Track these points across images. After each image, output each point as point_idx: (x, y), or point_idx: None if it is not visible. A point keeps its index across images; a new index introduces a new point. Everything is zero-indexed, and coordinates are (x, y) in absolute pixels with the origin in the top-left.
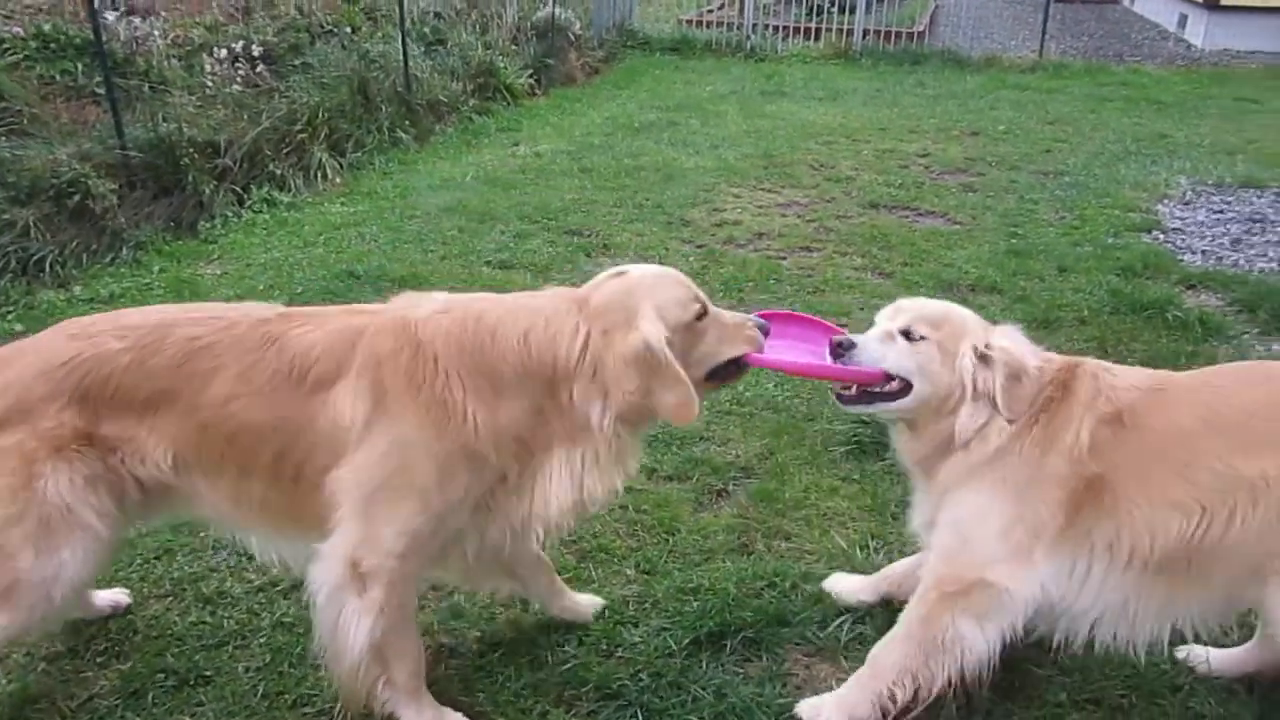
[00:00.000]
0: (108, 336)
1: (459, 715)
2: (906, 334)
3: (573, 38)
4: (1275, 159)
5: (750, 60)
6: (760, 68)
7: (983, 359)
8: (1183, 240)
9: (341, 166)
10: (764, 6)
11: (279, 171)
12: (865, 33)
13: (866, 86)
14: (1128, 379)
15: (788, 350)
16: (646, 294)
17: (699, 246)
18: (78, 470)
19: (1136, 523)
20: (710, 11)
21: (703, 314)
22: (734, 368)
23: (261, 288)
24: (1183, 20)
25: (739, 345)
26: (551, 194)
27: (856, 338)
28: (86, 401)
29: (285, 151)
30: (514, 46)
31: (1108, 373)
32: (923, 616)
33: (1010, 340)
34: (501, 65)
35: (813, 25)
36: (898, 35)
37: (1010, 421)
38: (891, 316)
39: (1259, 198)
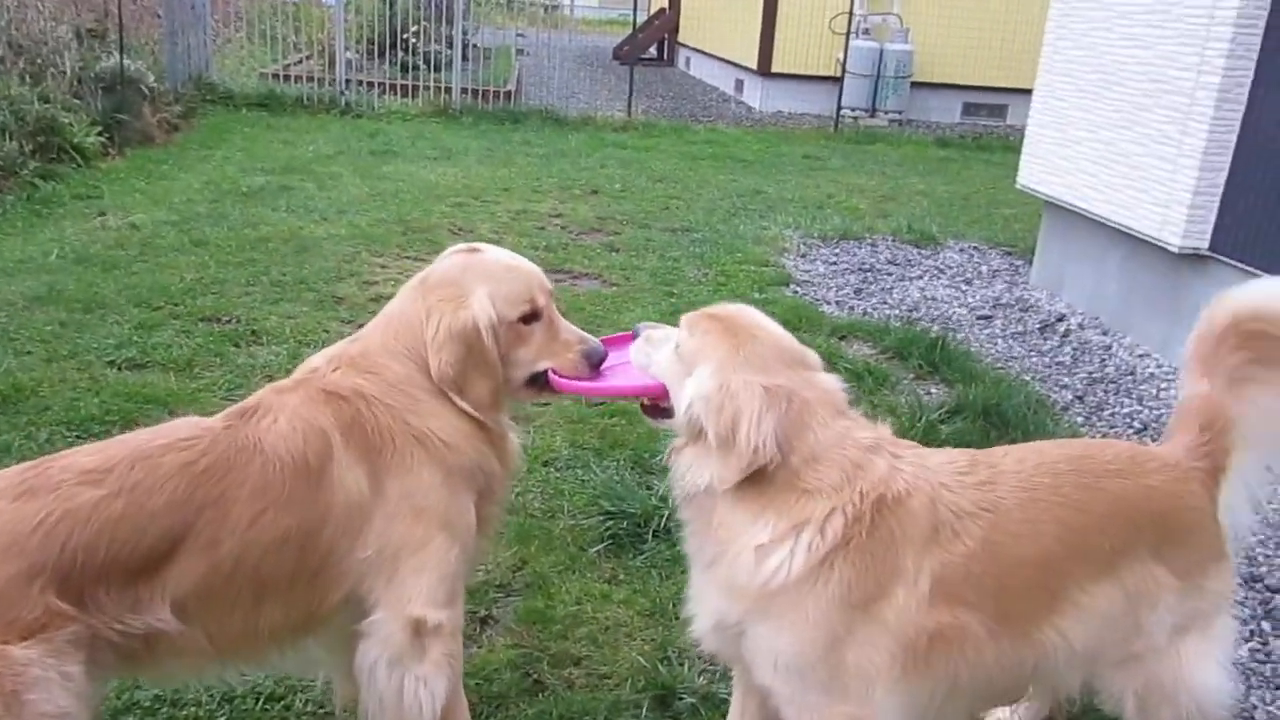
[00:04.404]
0: (76, 485)
1: None
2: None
3: (146, 91)
4: (854, 211)
5: (348, 117)
6: (360, 125)
7: (693, 403)
8: (816, 292)
9: None
10: (350, 61)
11: None
12: (463, 91)
13: (476, 145)
14: (966, 497)
15: (621, 374)
16: (485, 277)
17: (361, 326)
18: (68, 661)
19: (987, 659)
20: (297, 64)
21: (531, 317)
22: (546, 382)
23: None
24: (739, 84)
25: (552, 361)
26: (167, 274)
27: (647, 330)
28: (74, 571)
29: None
30: (77, 100)
31: (944, 490)
32: None
33: (742, 395)
34: (66, 122)
35: (408, 82)
36: (495, 94)
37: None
38: None
39: (859, 248)
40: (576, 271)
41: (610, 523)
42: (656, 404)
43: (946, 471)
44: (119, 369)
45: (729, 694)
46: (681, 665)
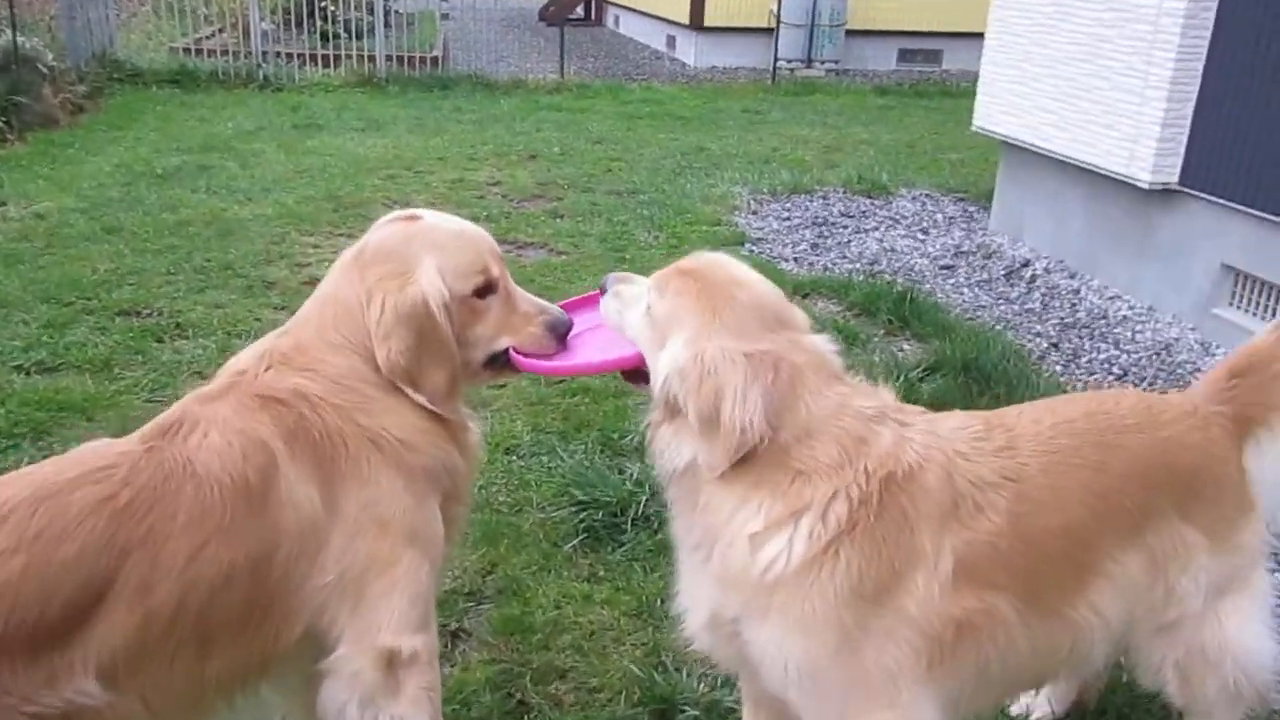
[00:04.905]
0: None
1: None
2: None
3: (45, 70)
4: (801, 164)
5: (267, 91)
6: (282, 99)
7: (669, 378)
8: (772, 249)
9: None
10: (266, 32)
11: None
12: (388, 59)
13: (405, 114)
14: (986, 465)
15: (599, 338)
16: (430, 247)
17: (295, 313)
18: None
19: (1019, 644)
20: (209, 38)
21: (486, 289)
22: (507, 360)
23: None
24: (671, 41)
25: (513, 337)
26: (78, 265)
27: (617, 284)
28: None
29: None
30: None
31: (960, 459)
32: None
33: (721, 365)
34: None
35: (330, 52)
36: (421, 61)
37: (712, 469)
38: None
39: (811, 202)
40: (522, 241)
41: (584, 514)
42: (638, 368)
43: (962, 438)
44: (28, 374)
45: (735, 701)
46: (679, 671)
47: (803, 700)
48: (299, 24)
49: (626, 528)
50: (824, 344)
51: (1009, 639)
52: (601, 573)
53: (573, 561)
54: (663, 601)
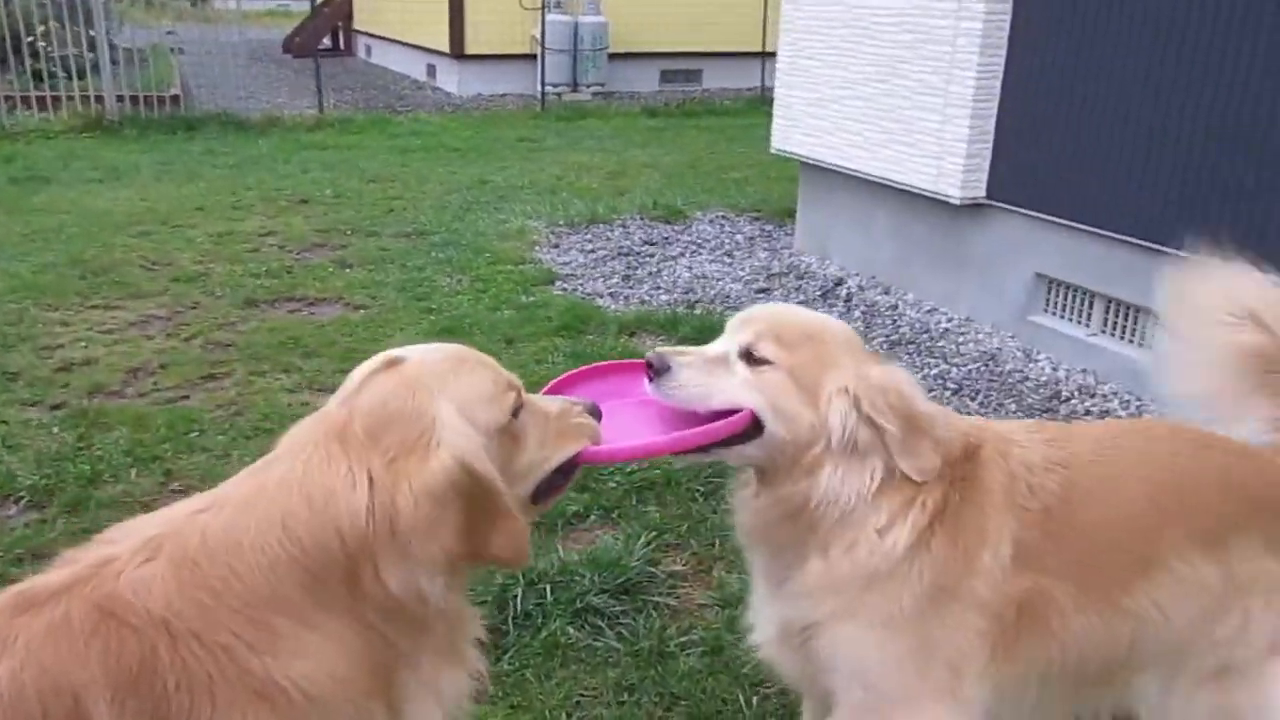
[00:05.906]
0: None
1: None
2: (749, 355)
3: None
4: (590, 192)
5: None
6: None
7: (860, 403)
8: (585, 286)
9: None
10: None
11: None
12: (119, 99)
13: (148, 160)
14: (1036, 451)
15: (620, 420)
16: (440, 389)
17: (55, 408)
18: None
19: (1079, 636)
20: None
21: (520, 407)
22: (561, 475)
23: None
24: (432, 70)
25: (570, 442)
26: None
27: (675, 358)
28: None
29: None
30: None
31: (1013, 444)
32: None
33: (894, 377)
34: None
35: (46, 93)
36: (159, 100)
37: (921, 480)
38: (737, 328)
39: (611, 231)
40: (311, 297)
41: None
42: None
43: (1010, 427)
44: None
45: None
46: None
47: (867, 696)
48: (3, 62)
49: (508, 629)
50: None
51: (1065, 628)
52: (490, 689)
53: None
54: (568, 716)
